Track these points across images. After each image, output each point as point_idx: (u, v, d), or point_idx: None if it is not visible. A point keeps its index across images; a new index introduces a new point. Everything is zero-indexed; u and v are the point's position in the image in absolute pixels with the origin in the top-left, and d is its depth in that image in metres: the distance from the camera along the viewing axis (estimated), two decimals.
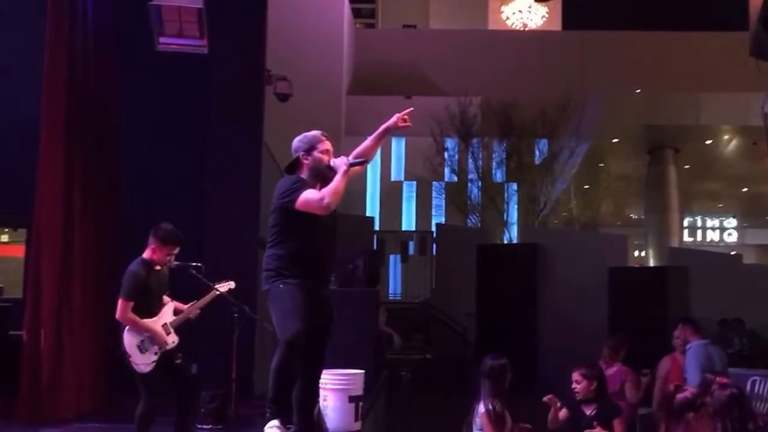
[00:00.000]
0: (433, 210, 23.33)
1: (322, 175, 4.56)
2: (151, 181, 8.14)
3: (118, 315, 5.29)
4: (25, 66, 7.53)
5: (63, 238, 6.99)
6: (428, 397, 10.53)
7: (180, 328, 5.57)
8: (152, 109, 8.17)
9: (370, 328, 7.27)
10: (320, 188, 4.49)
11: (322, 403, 5.43)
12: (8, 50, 7.73)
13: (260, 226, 8.26)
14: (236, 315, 6.49)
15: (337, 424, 5.41)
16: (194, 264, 5.87)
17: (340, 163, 4.54)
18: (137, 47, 7.92)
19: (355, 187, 23.70)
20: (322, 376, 5.39)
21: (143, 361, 5.30)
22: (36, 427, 6.41)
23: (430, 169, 22.11)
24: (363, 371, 5.70)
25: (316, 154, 4.59)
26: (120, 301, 5.28)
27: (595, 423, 5.21)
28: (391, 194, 24.68)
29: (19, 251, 8.49)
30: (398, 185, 25.02)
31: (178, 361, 5.48)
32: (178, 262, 5.71)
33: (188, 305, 5.64)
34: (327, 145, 4.63)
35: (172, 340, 5.45)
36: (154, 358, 5.32)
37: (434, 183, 23.03)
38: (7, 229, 9.05)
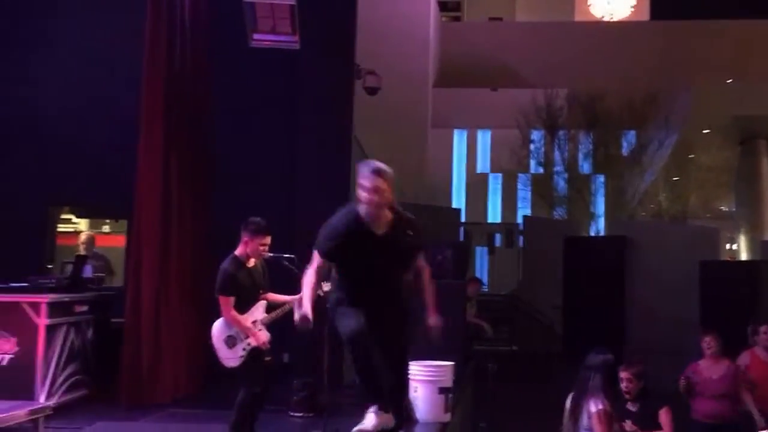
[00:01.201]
0: (519, 202, 23.01)
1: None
2: (243, 175, 8.20)
3: (223, 313, 5.29)
4: (126, 63, 7.67)
5: (161, 230, 7.09)
6: (515, 389, 10.32)
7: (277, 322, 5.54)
8: (244, 105, 8.22)
9: (459, 319, 7.11)
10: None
11: (412, 394, 5.33)
12: (109, 47, 7.89)
13: None
14: (328, 305, 6.41)
15: (427, 415, 5.31)
16: (287, 255, 5.82)
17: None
18: (230, 44, 7.98)
19: (441, 180, 23.56)
20: (412, 367, 5.29)
21: (229, 356, 5.28)
22: (135, 412, 6.51)
23: (516, 161, 21.79)
24: (452, 363, 5.56)
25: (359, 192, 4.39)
26: (220, 299, 5.28)
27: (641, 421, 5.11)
28: (477, 186, 24.41)
29: (120, 241, 8.70)
30: (484, 177, 24.72)
31: (268, 359, 5.45)
32: (271, 254, 5.68)
33: (289, 298, 5.58)
34: (370, 182, 4.29)
35: (263, 337, 5.41)
36: (242, 353, 5.29)
37: (520, 175, 22.70)
38: (108, 220, 9.30)
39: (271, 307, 5.56)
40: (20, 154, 8.02)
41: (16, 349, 6.28)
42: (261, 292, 5.53)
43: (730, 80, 21.43)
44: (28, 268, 7.19)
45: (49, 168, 8.03)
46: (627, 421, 5.25)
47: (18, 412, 5.64)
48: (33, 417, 5.85)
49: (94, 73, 7.97)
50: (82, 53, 7.99)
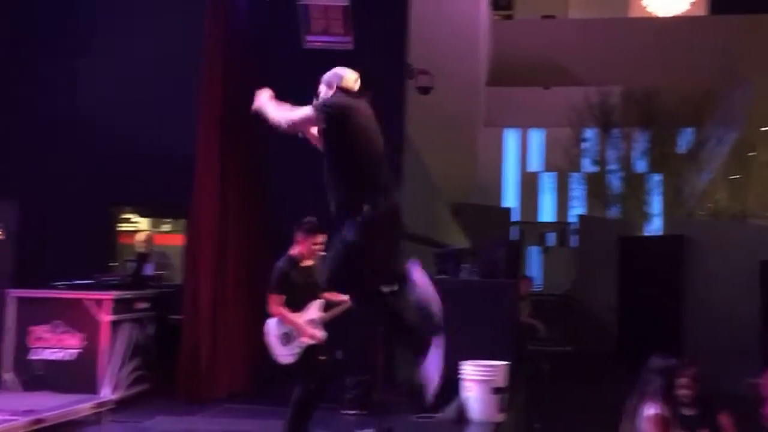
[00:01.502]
0: (572, 201, 22.74)
1: None
2: (297, 175, 8.27)
3: (269, 308, 5.41)
4: (185, 65, 7.84)
5: (218, 229, 7.25)
6: (569, 390, 10.22)
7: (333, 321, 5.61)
8: (295, 102, 8.30)
9: (512, 319, 7.09)
10: None
11: (465, 393, 5.35)
12: (169, 50, 8.07)
13: (404, 218, 8.22)
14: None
15: (481, 414, 5.31)
16: None
17: None
18: (283, 46, 8.09)
19: (493, 179, 23.43)
20: (465, 367, 5.31)
21: (283, 353, 5.38)
22: (193, 406, 6.67)
23: (569, 159, 21.55)
24: (506, 363, 5.56)
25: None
26: (268, 296, 5.40)
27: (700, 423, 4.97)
28: (529, 185, 24.20)
29: (179, 240, 8.89)
30: (536, 176, 24.51)
31: (322, 357, 5.52)
32: (324, 253, 5.75)
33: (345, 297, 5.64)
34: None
35: (318, 336, 5.49)
36: (297, 351, 5.38)
37: (573, 174, 22.45)
38: (168, 219, 9.52)
39: (328, 307, 5.63)
40: (84, 155, 8.26)
41: (82, 344, 6.51)
42: (318, 291, 5.60)
43: None
44: (92, 266, 7.42)
45: (111, 169, 8.26)
46: (684, 426, 5.12)
47: (83, 405, 5.85)
48: (97, 410, 6.07)
49: (153, 75, 8.16)
50: (142, 56, 8.20)
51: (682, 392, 5.10)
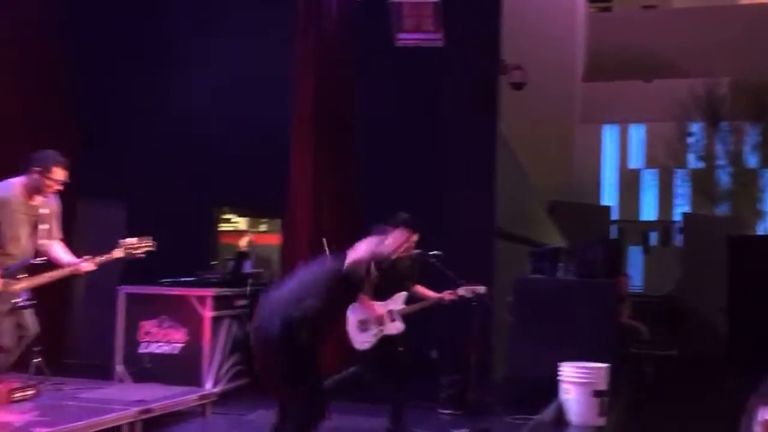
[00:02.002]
0: (677, 199, 22.00)
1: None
2: (389, 174, 8.35)
3: None
4: (278, 66, 8.02)
5: (313, 228, 7.39)
6: (675, 395, 9.89)
7: (414, 315, 5.66)
8: (389, 105, 8.35)
9: (612, 320, 6.93)
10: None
11: (564, 395, 5.27)
12: (262, 52, 8.27)
13: (497, 216, 8.19)
14: (474, 303, 6.46)
15: (581, 418, 5.23)
16: (433, 253, 5.91)
17: None
18: (374, 45, 8.16)
19: (590, 177, 22.94)
20: (565, 369, 5.24)
21: (360, 339, 5.50)
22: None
23: (673, 155, 20.87)
24: (607, 365, 5.44)
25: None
26: None
27: None
28: (629, 183, 23.57)
29: (276, 239, 9.12)
30: (637, 173, 23.85)
31: (401, 349, 5.58)
32: (418, 251, 5.79)
33: (436, 295, 5.70)
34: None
35: (395, 327, 5.54)
36: (373, 339, 5.49)
37: (677, 170, 21.72)
38: (265, 219, 9.78)
39: (411, 301, 5.69)
40: (187, 158, 8.58)
41: (186, 338, 6.80)
42: (405, 283, 5.66)
43: None
44: (195, 264, 7.71)
45: (212, 171, 8.53)
46: None
47: (188, 397, 6.10)
48: (201, 402, 6.31)
49: (248, 77, 8.38)
50: (238, 61, 8.43)
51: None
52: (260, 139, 8.15)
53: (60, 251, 5.09)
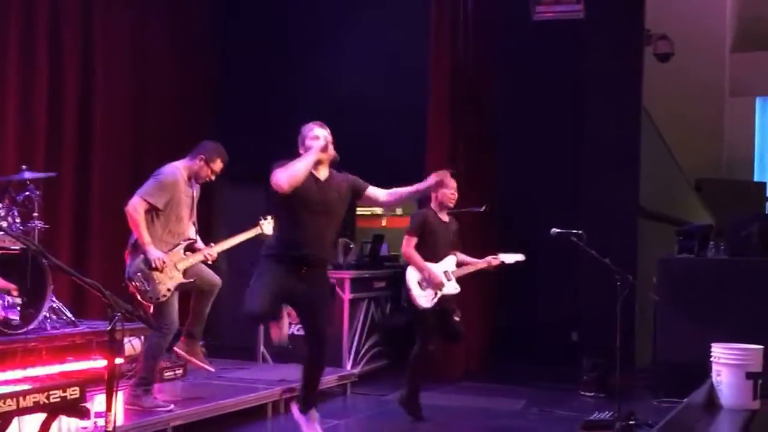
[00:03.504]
0: None
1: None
2: (529, 154, 8.29)
3: (402, 247, 5.72)
4: (413, 51, 8.10)
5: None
6: None
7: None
8: (528, 82, 8.28)
9: (767, 299, 6.57)
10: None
11: (715, 378, 5.08)
12: (398, 41, 8.37)
13: (639, 194, 7.95)
14: (618, 284, 6.33)
15: (733, 400, 5.00)
16: (575, 231, 5.83)
17: (312, 145, 4.59)
18: (512, 20, 8.09)
19: (742, 152, 21.74)
20: (716, 350, 5.04)
21: (422, 294, 5.59)
22: (430, 383, 6.89)
23: None
24: (761, 347, 5.19)
25: (307, 142, 4.68)
26: (405, 237, 5.73)
27: None
28: None
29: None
30: None
31: (457, 318, 5.70)
32: (559, 230, 5.75)
33: (479, 261, 5.92)
34: (317, 131, 4.70)
35: (453, 287, 5.69)
36: (434, 297, 5.58)
37: None
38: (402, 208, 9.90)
39: (461, 264, 5.87)
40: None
41: None
42: (455, 246, 5.84)
43: None
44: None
45: (346, 158, 8.73)
46: None
47: (329, 377, 6.33)
48: (342, 382, 6.54)
49: (386, 63, 8.51)
50: (373, 46, 8.57)
51: None
52: (397, 122, 8.27)
53: (194, 234, 5.34)
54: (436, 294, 5.66)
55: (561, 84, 8.20)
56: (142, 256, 4.91)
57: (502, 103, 8.21)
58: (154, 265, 4.87)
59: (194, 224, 5.33)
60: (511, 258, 6.05)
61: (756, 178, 20.80)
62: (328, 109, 8.80)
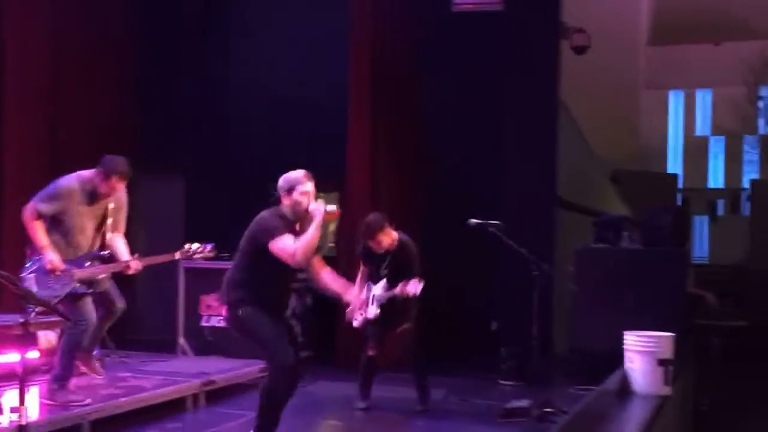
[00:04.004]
0: (745, 166, 21.46)
1: (301, 219, 4.55)
2: (448, 143, 8.33)
3: None
4: (333, 36, 8.03)
5: (371, 201, 7.41)
6: (743, 368, 9.72)
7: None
8: (447, 72, 8.31)
9: (679, 288, 6.80)
10: (299, 230, 4.51)
11: (628, 365, 5.23)
12: (317, 24, 8.30)
13: (556, 185, 8.11)
14: (536, 273, 6.43)
15: (645, 387, 5.14)
16: (493, 222, 5.90)
17: (315, 210, 4.47)
18: (432, 11, 8.11)
19: (656, 144, 22.47)
20: (629, 337, 5.19)
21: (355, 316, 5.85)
22: (352, 373, 6.86)
23: (741, 121, 20.30)
24: (673, 334, 5.36)
25: (295, 195, 4.54)
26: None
27: None
28: (695, 150, 23.05)
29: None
30: (704, 140, 23.28)
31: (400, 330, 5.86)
32: (477, 221, 5.79)
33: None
34: (308, 187, 4.58)
35: (372, 311, 5.88)
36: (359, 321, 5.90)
37: (746, 136, 21.16)
38: (321, 193, 9.79)
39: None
40: (244, 134, 8.69)
41: None
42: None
43: None
44: None
45: (269, 145, 8.63)
46: None
47: (251, 369, 6.25)
48: (264, 374, 6.42)
49: (302, 48, 8.43)
50: (294, 34, 8.47)
51: None
52: (317, 111, 8.20)
53: (119, 245, 5.23)
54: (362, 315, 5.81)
55: (482, 76, 8.26)
56: (39, 257, 4.89)
57: (425, 95, 8.23)
58: (49, 268, 4.85)
59: (117, 235, 5.20)
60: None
61: (669, 170, 21.60)
62: (247, 103, 8.76)
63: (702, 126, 23.39)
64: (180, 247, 5.37)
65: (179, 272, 7.22)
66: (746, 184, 18.98)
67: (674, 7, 21.05)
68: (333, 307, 7.45)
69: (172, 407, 5.50)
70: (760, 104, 20.27)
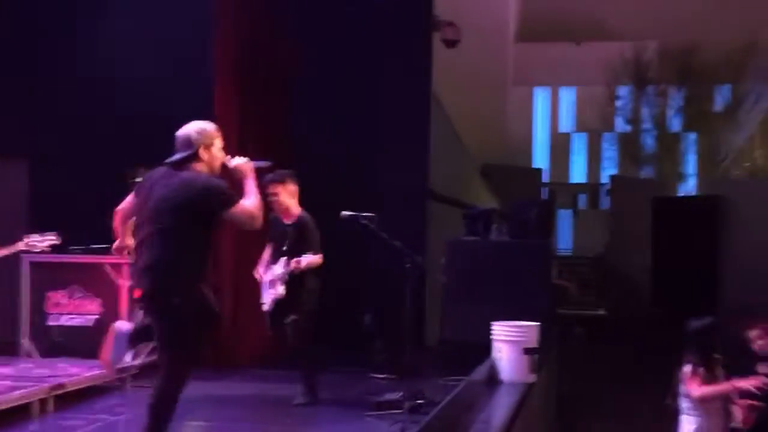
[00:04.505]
0: (605, 162, 22.60)
1: (230, 177, 4.05)
2: (320, 134, 8.25)
3: None
4: (200, 23, 7.76)
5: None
6: (602, 354, 10.22)
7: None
8: (318, 62, 8.22)
9: (544, 280, 7.05)
10: None
11: (496, 354, 5.35)
12: (182, 10, 8.00)
13: (429, 178, 8.21)
14: (408, 265, 6.47)
15: (512, 375, 5.31)
16: (366, 215, 5.87)
17: (243, 165, 3.99)
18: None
19: (522, 140, 23.26)
20: (496, 327, 5.31)
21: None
22: (215, 372, 6.70)
23: (602, 118, 21.35)
24: (538, 324, 5.54)
25: (214, 150, 3.99)
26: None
27: None
28: (560, 146, 24.05)
29: None
30: (567, 136, 24.31)
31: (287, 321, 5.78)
32: (350, 213, 5.75)
33: None
34: (221, 141, 4.07)
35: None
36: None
37: (606, 133, 22.27)
38: None
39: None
40: (100, 117, 8.24)
41: (100, 310, 6.52)
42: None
43: None
44: (107, 232, 7.42)
45: (127, 132, 8.21)
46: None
47: (105, 371, 5.91)
48: (121, 376, 6.13)
49: (165, 35, 8.07)
50: (158, 17, 8.12)
51: (759, 343, 4.88)
52: (181, 99, 7.88)
53: None
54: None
55: (354, 67, 8.23)
56: None
57: (296, 86, 8.10)
58: None
59: None
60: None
61: (535, 165, 22.42)
62: (95, 84, 8.30)
63: (566, 123, 24.41)
64: (22, 238, 4.98)
65: (23, 266, 6.67)
66: (605, 179, 19.96)
67: (540, 5, 21.84)
68: None
69: (18, 415, 5.09)
70: (618, 103, 21.36)
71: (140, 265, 3.87)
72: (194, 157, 3.94)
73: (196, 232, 3.83)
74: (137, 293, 3.93)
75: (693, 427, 4.48)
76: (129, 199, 4.16)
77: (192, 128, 4.01)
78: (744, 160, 22.03)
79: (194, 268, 3.84)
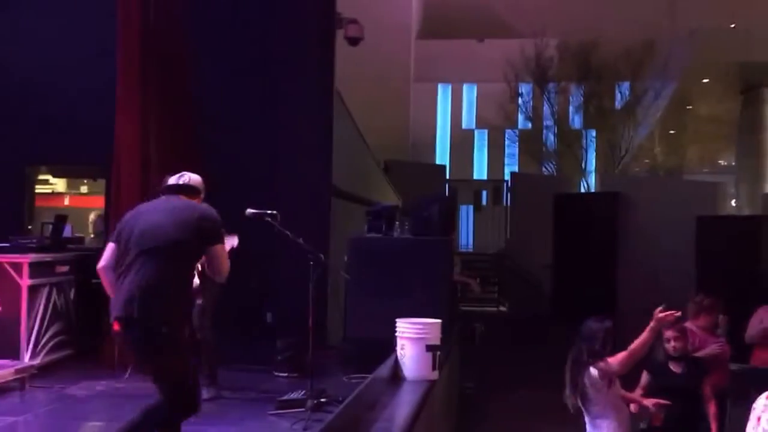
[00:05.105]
0: (507, 158, 23.19)
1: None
2: (221, 131, 8.34)
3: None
4: (101, 17, 7.76)
5: (141, 188, 7.28)
6: (503, 351, 10.64)
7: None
8: (219, 58, 8.32)
9: (446, 276, 7.30)
10: None
11: (399, 351, 5.54)
12: (87, 6, 7.98)
13: (332, 174, 8.42)
14: (311, 263, 6.66)
15: (415, 372, 5.45)
16: (269, 212, 6.04)
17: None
18: None
19: (425, 136, 23.69)
20: (399, 324, 5.55)
21: None
22: (118, 371, 6.77)
23: (504, 115, 21.92)
24: (440, 321, 5.75)
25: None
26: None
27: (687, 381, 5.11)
28: (462, 142, 24.58)
29: (98, 202, 8.88)
30: (470, 133, 24.89)
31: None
32: (254, 211, 5.91)
33: None
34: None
35: None
36: None
37: (507, 130, 22.87)
38: (86, 180, 9.44)
39: None
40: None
41: (0, 309, 6.53)
42: None
43: (733, 25, 21.49)
44: (8, 229, 7.38)
45: (27, 129, 8.16)
46: (669, 383, 5.03)
47: (4, 371, 5.92)
48: (19, 376, 6.14)
49: (67, 29, 8.04)
50: (59, 12, 8.07)
51: (673, 345, 5.08)
52: (83, 93, 7.87)
53: None
54: None
55: (257, 63, 8.36)
56: None
57: (198, 81, 8.18)
58: None
59: None
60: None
61: (438, 161, 22.87)
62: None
63: (468, 119, 24.99)
64: None
65: None
66: (507, 176, 20.56)
67: (442, 2, 22.30)
68: (96, 301, 7.26)
69: None
70: (520, 100, 22.01)
71: (125, 288, 3.93)
72: (194, 192, 4.43)
73: (186, 260, 4.07)
74: (116, 325, 3.97)
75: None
76: (109, 252, 4.21)
77: (193, 177, 4.55)
78: (644, 156, 23.06)
79: (175, 298, 3.99)
